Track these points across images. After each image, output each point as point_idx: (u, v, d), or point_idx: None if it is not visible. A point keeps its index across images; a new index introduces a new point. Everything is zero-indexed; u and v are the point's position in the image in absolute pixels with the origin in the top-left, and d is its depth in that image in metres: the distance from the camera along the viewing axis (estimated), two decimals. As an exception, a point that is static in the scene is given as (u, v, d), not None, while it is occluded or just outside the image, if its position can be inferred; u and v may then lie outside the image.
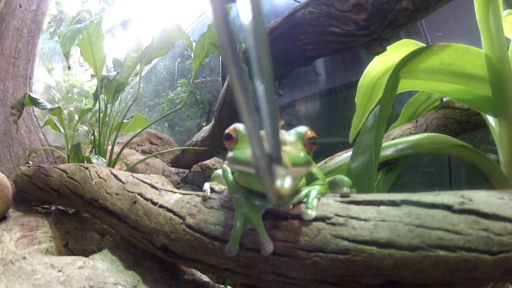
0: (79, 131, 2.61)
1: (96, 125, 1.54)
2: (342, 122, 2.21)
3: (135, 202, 0.67)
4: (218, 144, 1.51)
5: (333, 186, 0.53)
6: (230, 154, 0.44)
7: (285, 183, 0.26)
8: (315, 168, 0.50)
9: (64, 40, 1.11)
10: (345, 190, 0.50)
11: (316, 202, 0.45)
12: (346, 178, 0.53)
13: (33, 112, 1.61)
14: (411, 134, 1.21)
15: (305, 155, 0.43)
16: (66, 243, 0.97)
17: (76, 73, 3.73)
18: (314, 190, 0.47)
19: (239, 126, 0.45)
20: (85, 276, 0.60)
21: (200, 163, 1.87)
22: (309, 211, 0.44)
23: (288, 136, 0.44)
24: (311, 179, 0.51)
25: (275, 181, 0.26)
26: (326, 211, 0.45)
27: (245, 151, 0.41)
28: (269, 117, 0.27)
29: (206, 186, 0.59)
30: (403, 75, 0.84)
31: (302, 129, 0.45)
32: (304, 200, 0.47)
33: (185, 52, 3.61)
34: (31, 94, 1.23)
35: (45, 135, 1.63)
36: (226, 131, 0.45)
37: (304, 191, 0.48)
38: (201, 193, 0.59)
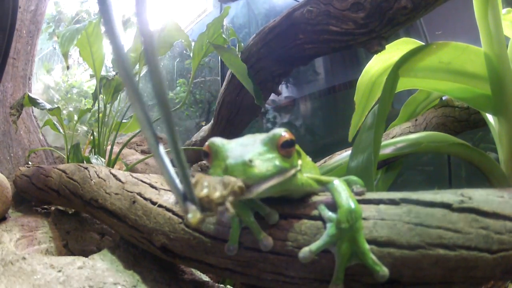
0: (79, 131, 2.60)
1: (95, 125, 1.54)
2: (342, 121, 2.20)
3: (134, 201, 0.67)
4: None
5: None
6: (210, 171, 0.41)
7: (193, 216, 0.31)
8: (342, 192, 0.44)
9: (63, 40, 1.11)
10: (358, 187, 0.48)
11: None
12: (358, 179, 0.52)
13: (33, 112, 1.61)
14: (410, 132, 1.21)
15: (280, 162, 0.39)
16: (65, 243, 0.97)
17: (75, 73, 3.72)
18: (363, 253, 0.40)
19: (214, 141, 0.41)
20: (84, 276, 0.60)
21: (199, 162, 1.87)
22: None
23: (260, 145, 0.40)
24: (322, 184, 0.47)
25: (187, 215, 0.31)
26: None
27: (219, 170, 0.38)
28: (177, 160, 0.30)
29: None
30: (402, 74, 0.84)
31: (276, 133, 0.41)
32: (332, 249, 0.42)
33: (184, 51, 3.61)
34: (30, 95, 1.22)
35: (45, 135, 1.62)
36: (203, 147, 0.42)
37: (329, 236, 0.42)
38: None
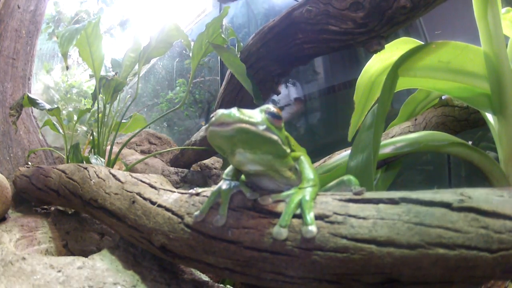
0: (78, 131, 2.61)
1: (95, 125, 1.54)
2: (341, 121, 2.20)
3: (133, 201, 0.67)
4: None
5: (340, 186, 0.57)
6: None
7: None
8: (306, 165, 0.52)
9: (62, 40, 1.11)
10: (356, 188, 0.49)
11: (313, 215, 0.45)
12: (353, 178, 0.56)
13: (32, 112, 1.61)
14: (410, 132, 1.21)
15: (263, 120, 0.46)
16: (65, 243, 0.97)
17: (75, 73, 3.72)
18: (306, 201, 0.46)
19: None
20: (84, 276, 0.60)
21: (199, 162, 1.87)
22: (309, 228, 0.43)
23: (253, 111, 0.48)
24: (299, 178, 0.51)
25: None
26: (324, 209, 0.45)
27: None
28: None
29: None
30: (401, 73, 0.84)
31: (266, 105, 0.49)
32: (286, 199, 0.48)
33: (184, 51, 3.61)
34: (29, 95, 1.22)
35: (44, 135, 1.62)
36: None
37: (289, 192, 0.49)
38: (199, 189, 0.60)
